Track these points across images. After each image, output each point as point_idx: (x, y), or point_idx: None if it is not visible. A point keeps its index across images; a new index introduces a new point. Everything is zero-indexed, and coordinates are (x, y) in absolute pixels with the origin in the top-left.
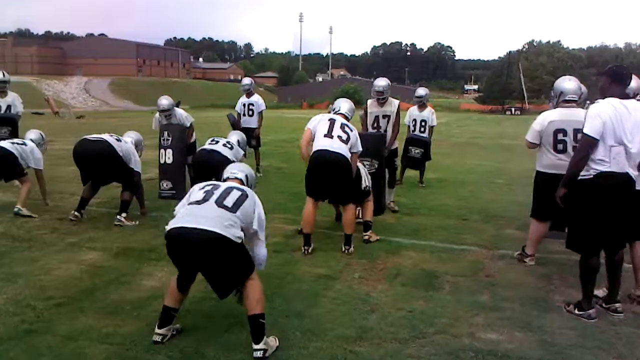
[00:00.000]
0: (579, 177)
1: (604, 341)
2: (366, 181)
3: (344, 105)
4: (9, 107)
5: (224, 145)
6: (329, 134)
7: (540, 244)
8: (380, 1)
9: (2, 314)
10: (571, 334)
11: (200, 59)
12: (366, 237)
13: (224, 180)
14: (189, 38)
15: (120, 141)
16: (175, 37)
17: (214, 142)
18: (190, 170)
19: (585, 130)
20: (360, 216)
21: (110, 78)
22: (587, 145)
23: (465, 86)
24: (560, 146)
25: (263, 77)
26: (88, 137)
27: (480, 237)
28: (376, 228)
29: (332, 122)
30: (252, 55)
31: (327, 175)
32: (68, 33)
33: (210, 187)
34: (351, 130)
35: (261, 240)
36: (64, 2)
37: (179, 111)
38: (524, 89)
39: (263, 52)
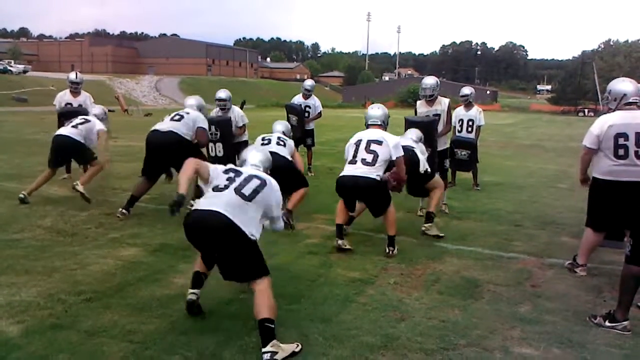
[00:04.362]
0: None
1: None
2: (425, 164)
3: (375, 113)
4: (79, 106)
5: (278, 143)
6: (353, 160)
7: (594, 253)
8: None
9: (32, 307)
10: (616, 353)
11: (268, 59)
12: (424, 228)
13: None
14: (258, 38)
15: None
16: (244, 38)
17: (267, 142)
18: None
19: None
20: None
21: (180, 77)
22: None
23: (538, 86)
24: (621, 151)
25: (329, 77)
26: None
27: (532, 245)
28: (407, 228)
29: (358, 144)
30: (319, 55)
31: (353, 197)
32: (142, 33)
33: (234, 173)
34: (380, 144)
35: (278, 217)
36: (139, 3)
37: (237, 110)
38: (598, 90)
39: (330, 51)
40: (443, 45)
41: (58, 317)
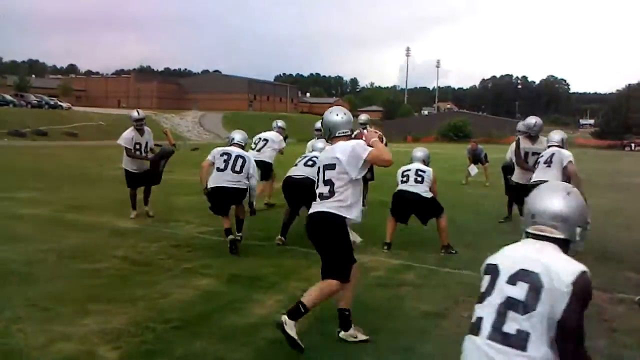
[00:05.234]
0: None
1: None
2: None
3: (341, 120)
4: (147, 143)
5: (416, 180)
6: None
7: None
8: (490, 34)
9: (124, 334)
10: None
11: (308, 94)
12: None
13: (231, 142)
14: (297, 74)
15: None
16: (284, 73)
17: (405, 179)
18: None
19: None
20: None
21: (222, 112)
22: None
23: (581, 120)
24: None
25: (368, 111)
26: (293, 175)
27: (597, 279)
28: (470, 262)
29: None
30: (357, 90)
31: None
32: (185, 69)
33: (227, 156)
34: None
35: (253, 176)
36: (183, 40)
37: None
38: None
39: (369, 86)
40: (483, 79)
41: (151, 344)
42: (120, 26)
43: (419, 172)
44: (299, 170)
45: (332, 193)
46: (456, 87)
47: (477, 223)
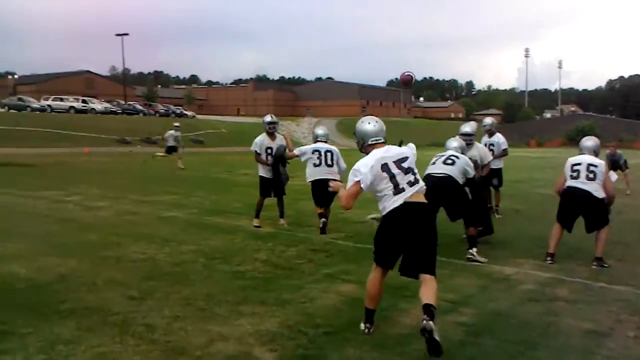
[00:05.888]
0: None
1: None
2: None
3: (379, 127)
4: (279, 147)
5: None
6: None
7: None
8: (616, 31)
9: (279, 337)
10: None
11: (421, 98)
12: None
13: (317, 140)
14: None
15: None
16: (396, 78)
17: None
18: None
19: None
20: None
21: (336, 118)
22: None
23: None
24: None
25: (486, 115)
26: (433, 172)
27: None
28: (625, 277)
29: None
30: (473, 93)
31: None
32: (299, 77)
33: (318, 153)
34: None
35: (341, 160)
36: (297, 49)
37: (480, 146)
38: None
39: (485, 89)
40: (609, 79)
41: (306, 348)
42: (236, 37)
43: (591, 168)
44: (437, 168)
45: (417, 180)
46: (580, 89)
47: (624, 233)
